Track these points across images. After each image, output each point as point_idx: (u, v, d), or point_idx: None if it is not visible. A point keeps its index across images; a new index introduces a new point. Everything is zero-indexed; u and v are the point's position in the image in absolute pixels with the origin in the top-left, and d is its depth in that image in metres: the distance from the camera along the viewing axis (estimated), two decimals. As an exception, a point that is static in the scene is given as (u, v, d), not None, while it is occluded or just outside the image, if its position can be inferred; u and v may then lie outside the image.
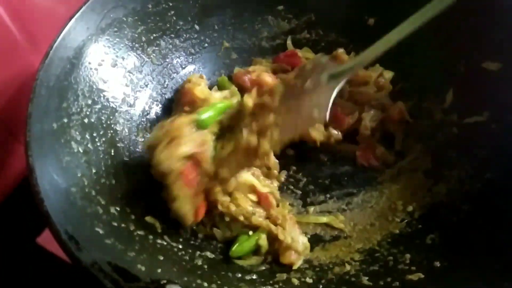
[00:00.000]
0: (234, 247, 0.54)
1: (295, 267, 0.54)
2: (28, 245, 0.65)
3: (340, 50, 0.70)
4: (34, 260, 0.66)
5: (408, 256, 0.51)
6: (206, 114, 0.55)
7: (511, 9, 0.57)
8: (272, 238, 0.55)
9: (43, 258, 0.64)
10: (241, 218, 0.55)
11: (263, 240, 0.55)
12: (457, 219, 0.52)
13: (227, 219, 0.56)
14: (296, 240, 0.54)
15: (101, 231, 0.46)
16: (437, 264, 0.47)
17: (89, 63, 0.58)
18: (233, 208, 0.55)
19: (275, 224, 0.56)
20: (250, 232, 0.56)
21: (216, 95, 0.65)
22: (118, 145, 0.60)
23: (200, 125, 0.54)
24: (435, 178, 0.59)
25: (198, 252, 0.53)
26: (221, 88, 0.71)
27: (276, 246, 0.55)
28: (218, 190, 0.54)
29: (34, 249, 0.65)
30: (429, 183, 0.59)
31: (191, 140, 0.52)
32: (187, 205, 0.52)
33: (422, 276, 0.47)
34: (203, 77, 0.70)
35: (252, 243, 0.54)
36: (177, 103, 0.68)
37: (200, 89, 0.64)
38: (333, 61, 0.56)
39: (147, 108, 0.67)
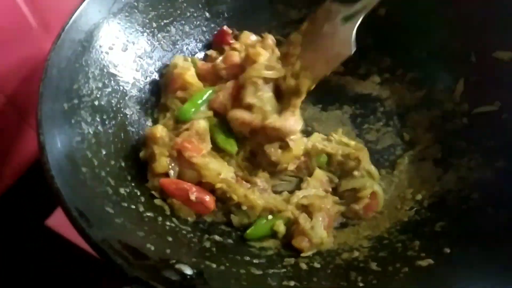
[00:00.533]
0: (249, 230, 0.55)
1: (303, 254, 0.54)
2: (37, 227, 0.66)
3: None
4: (42, 242, 0.66)
5: (417, 243, 0.50)
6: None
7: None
8: (292, 222, 0.55)
9: (51, 240, 0.65)
10: (260, 204, 0.55)
11: (279, 226, 0.55)
12: (466, 207, 0.52)
13: (244, 207, 0.56)
14: (315, 230, 0.54)
15: (111, 210, 0.46)
16: (447, 250, 0.47)
17: (100, 46, 0.58)
18: (251, 196, 0.55)
19: (302, 210, 0.56)
20: (270, 216, 0.56)
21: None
22: (128, 128, 0.60)
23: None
24: (445, 167, 0.59)
25: (206, 235, 0.53)
26: None
27: (292, 229, 0.55)
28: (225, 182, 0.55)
29: (43, 231, 0.65)
30: (439, 172, 0.59)
31: None
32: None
33: (432, 262, 0.46)
34: (188, 59, 0.68)
35: (267, 228, 0.55)
36: (166, 88, 0.66)
37: (191, 74, 0.64)
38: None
39: (156, 94, 0.67)
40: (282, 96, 0.59)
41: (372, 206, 0.58)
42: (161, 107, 0.65)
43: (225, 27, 0.73)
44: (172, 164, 0.56)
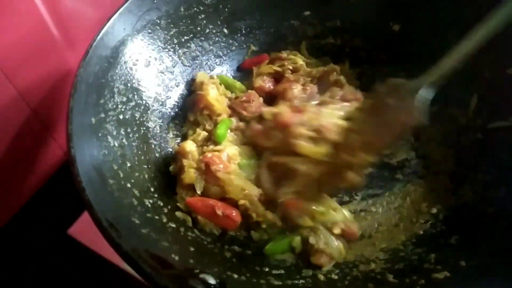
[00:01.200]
0: (268, 246, 0.56)
1: (324, 269, 0.55)
2: (59, 236, 0.68)
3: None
4: (64, 251, 0.68)
5: (433, 255, 0.51)
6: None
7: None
8: (306, 240, 0.56)
9: (73, 249, 0.66)
10: (279, 222, 0.57)
11: (296, 242, 0.56)
12: (481, 221, 0.53)
13: (263, 226, 0.57)
14: (330, 245, 0.55)
15: (137, 221, 0.48)
16: (463, 263, 0.48)
17: (125, 62, 0.61)
18: (269, 216, 0.56)
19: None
20: (287, 233, 0.57)
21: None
22: (150, 141, 0.62)
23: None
24: (460, 181, 0.60)
25: (226, 246, 0.55)
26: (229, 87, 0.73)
27: (308, 248, 0.56)
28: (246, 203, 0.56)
29: (65, 240, 0.67)
30: (454, 186, 0.60)
31: None
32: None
33: (449, 274, 0.47)
34: (214, 77, 0.72)
35: (285, 244, 0.56)
36: (191, 108, 0.69)
37: (213, 96, 0.67)
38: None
39: (177, 108, 0.69)
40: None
41: (351, 235, 0.58)
42: (190, 123, 0.67)
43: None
44: (199, 178, 0.58)
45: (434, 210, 0.59)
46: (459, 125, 0.65)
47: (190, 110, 0.69)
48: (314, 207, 0.57)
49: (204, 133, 0.64)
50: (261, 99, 0.70)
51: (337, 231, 0.56)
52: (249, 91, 0.72)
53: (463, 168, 0.61)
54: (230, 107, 0.69)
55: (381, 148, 0.56)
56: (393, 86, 0.57)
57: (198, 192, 0.57)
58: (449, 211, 0.57)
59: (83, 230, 0.67)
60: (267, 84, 0.73)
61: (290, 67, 0.74)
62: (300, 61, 0.75)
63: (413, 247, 0.55)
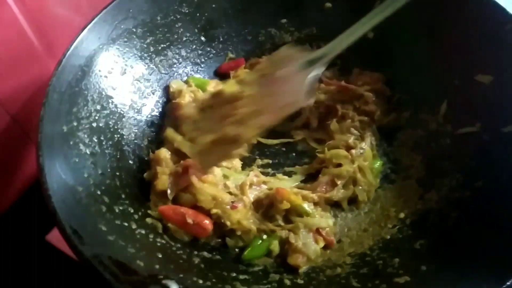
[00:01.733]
0: (246, 252, 0.56)
1: (300, 270, 0.55)
2: (38, 242, 0.68)
3: None
4: (43, 257, 0.69)
5: (397, 260, 0.52)
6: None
7: (502, 26, 0.59)
8: (284, 242, 0.57)
9: (51, 255, 0.67)
10: (254, 228, 0.57)
11: (275, 246, 0.57)
12: (445, 226, 0.54)
13: (238, 233, 0.58)
14: (308, 246, 0.56)
15: (104, 228, 0.49)
16: (424, 268, 0.49)
17: (99, 70, 0.62)
18: (244, 222, 0.57)
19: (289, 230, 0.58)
20: (265, 236, 0.58)
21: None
22: (124, 148, 0.63)
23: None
24: (427, 186, 0.61)
25: (195, 252, 0.56)
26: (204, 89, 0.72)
27: (286, 248, 0.57)
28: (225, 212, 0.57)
29: (43, 246, 0.68)
30: (421, 191, 0.61)
31: None
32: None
33: (409, 279, 0.48)
34: (191, 85, 0.72)
35: (264, 249, 0.57)
36: (168, 116, 0.70)
37: (188, 105, 0.67)
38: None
39: (152, 115, 0.70)
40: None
41: (329, 243, 0.59)
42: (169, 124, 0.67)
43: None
44: (171, 184, 0.59)
45: (402, 215, 0.60)
46: (429, 131, 0.66)
47: (167, 118, 0.70)
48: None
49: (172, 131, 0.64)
50: None
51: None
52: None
53: (432, 173, 0.62)
54: None
55: (263, 125, 0.55)
56: (286, 55, 0.59)
57: (170, 197, 0.58)
58: (416, 216, 0.58)
59: (61, 236, 0.68)
60: None
61: None
62: None
63: (379, 251, 0.56)
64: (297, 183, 0.65)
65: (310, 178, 0.66)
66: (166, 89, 0.73)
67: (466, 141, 0.61)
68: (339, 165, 0.64)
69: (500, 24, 0.59)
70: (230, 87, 0.60)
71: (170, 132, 0.64)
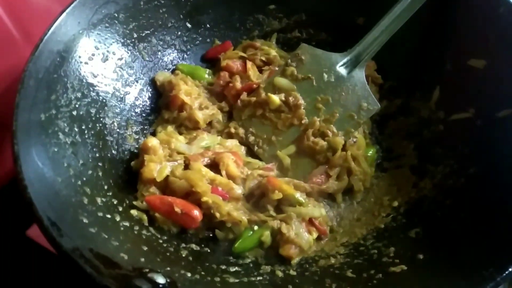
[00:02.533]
0: (237, 244, 0.55)
1: (293, 261, 0.54)
2: (18, 238, 0.66)
3: None
4: (23, 252, 0.66)
5: (392, 249, 0.51)
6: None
7: (495, 8, 0.58)
8: (276, 232, 0.55)
9: (32, 250, 0.64)
10: (245, 220, 0.56)
11: (266, 237, 0.55)
12: (440, 214, 0.53)
13: (228, 224, 0.56)
14: (301, 236, 0.54)
15: (85, 220, 0.46)
16: (420, 256, 0.48)
17: (79, 57, 0.59)
18: (234, 213, 0.55)
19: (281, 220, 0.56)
20: (256, 227, 0.56)
21: (199, 115, 0.66)
22: (107, 138, 0.60)
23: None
24: (421, 174, 0.60)
25: (183, 244, 0.54)
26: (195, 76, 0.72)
27: (278, 239, 0.55)
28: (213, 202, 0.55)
29: (24, 242, 0.65)
30: (415, 179, 0.60)
31: None
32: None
33: (405, 268, 0.47)
34: (178, 73, 0.70)
35: (255, 240, 0.55)
36: (166, 108, 0.68)
37: (186, 95, 0.66)
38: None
39: (137, 103, 0.67)
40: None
41: (322, 232, 0.58)
42: (162, 121, 0.67)
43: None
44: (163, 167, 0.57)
45: (396, 204, 0.58)
46: (422, 118, 0.65)
47: (165, 109, 0.68)
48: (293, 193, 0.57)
49: (172, 131, 0.64)
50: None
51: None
52: (220, 72, 0.71)
53: (425, 160, 0.61)
54: (218, 94, 0.70)
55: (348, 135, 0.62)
56: (319, 58, 0.66)
57: (158, 179, 0.56)
58: (410, 204, 0.57)
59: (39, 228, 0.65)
60: (236, 64, 0.71)
61: (263, 58, 0.73)
62: (274, 52, 0.74)
63: (374, 241, 0.54)
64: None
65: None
66: (151, 80, 0.70)
67: (459, 127, 0.59)
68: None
69: (492, 7, 0.58)
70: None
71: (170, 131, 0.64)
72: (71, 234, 0.42)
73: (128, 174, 0.59)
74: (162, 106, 0.69)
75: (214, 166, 0.59)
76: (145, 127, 0.68)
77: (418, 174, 0.60)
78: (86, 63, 0.60)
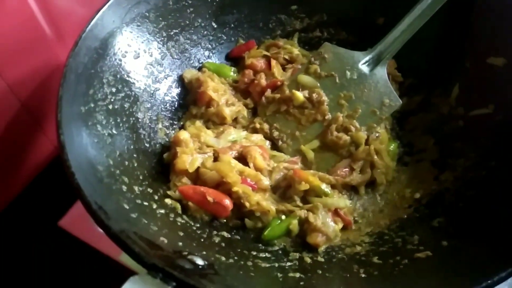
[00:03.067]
0: (266, 232, 0.57)
1: (320, 249, 0.56)
2: (50, 228, 0.68)
3: None
4: (56, 243, 0.69)
5: (416, 237, 0.53)
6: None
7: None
8: (303, 221, 0.57)
9: (64, 241, 0.67)
10: (273, 209, 0.58)
11: (294, 226, 0.57)
12: (462, 204, 0.55)
13: (257, 214, 0.58)
14: (327, 225, 0.56)
15: (126, 206, 0.48)
16: (445, 243, 0.49)
17: (114, 53, 0.61)
18: (263, 203, 0.57)
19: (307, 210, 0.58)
20: (283, 216, 0.58)
21: (227, 111, 0.69)
22: (140, 131, 0.63)
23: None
24: (442, 167, 0.62)
25: (214, 232, 0.56)
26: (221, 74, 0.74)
27: (305, 227, 0.57)
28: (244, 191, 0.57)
29: (56, 232, 0.68)
30: (436, 172, 0.62)
31: None
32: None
33: (430, 253, 0.49)
34: (205, 71, 0.73)
35: (283, 228, 0.57)
36: (194, 103, 0.71)
37: (213, 91, 0.69)
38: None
39: (166, 99, 0.70)
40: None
41: (347, 223, 0.60)
42: (190, 116, 0.70)
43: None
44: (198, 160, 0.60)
45: (418, 195, 0.60)
46: (441, 114, 0.67)
47: (193, 104, 0.71)
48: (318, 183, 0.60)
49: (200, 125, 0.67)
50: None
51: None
52: (245, 70, 0.73)
53: (445, 154, 0.63)
54: (242, 91, 0.73)
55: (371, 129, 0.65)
56: (339, 56, 0.68)
57: (190, 170, 0.58)
58: (431, 196, 0.59)
59: (74, 221, 0.68)
60: (260, 62, 0.74)
61: (286, 57, 0.75)
62: (296, 51, 0.76)
63: (397, 230, 0.56)
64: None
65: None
66: (179, 76, 0.73)
67: (479, 123, 0.61)
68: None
69: (511, 6, 0.60)
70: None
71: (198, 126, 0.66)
72: (116, 218, 0.44)
73: (160, 166, 0.62)
74: (190, 102, 0.71)
75: (242, 159, 0.62)
76: (174, 122, 0.70)
77: (439, 167, 0.62)
78: (119, 59, 0.62)
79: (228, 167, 0.58)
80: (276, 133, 0.68)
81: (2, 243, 0.72)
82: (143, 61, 0.67)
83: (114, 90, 0.60)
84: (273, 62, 0.73)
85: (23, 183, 0.77)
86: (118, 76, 0.62)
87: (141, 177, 0.57)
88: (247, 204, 0.56)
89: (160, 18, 0.69)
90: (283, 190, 0.60)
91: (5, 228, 0.73)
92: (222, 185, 0.58)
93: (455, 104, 0.65)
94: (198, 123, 0.67)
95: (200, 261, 0.45)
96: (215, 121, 0.69)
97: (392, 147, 0.65)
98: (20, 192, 0.77)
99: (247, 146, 0.63)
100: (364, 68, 0.66)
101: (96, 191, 0.46)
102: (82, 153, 0.49)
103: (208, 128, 0.67)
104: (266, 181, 0.60)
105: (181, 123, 0.70)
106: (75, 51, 0.55)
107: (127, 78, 0.63)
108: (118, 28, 0.63)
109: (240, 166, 0.59)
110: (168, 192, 0.58)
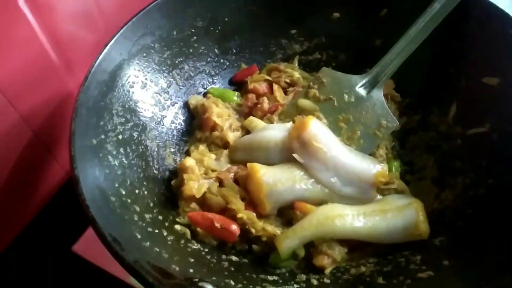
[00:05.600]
0: (272, 257, 0.58)
1: (326, 271, 0.57)
2: (63, 253, 0.70)
3: None
4: (70, 268, 0.71)
5: (418, 257, 0.55)
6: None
7: (507, 29, 0.62)
8: (309, 244, 0.59)
9: (78, 265, 0.69)
10: (279, 233, 0.59)
11: (300, 249, 0.58)
12: (462, 223, 0.56)
13: (264, 239, 0.59)
14: (332, 247, 0.58)
15: (138, 235, 0.51)
16: (446, 262, 0.51)
17: (122, 85, 0.64)
18: (269, 228, 0.59)
19: None
20: None
21: (231, 136, 0.71)
22: (148, 159, 0.65)
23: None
24: (442, 185, 0.63)
25: (223, 256, 0.58)
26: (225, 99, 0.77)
27: (311, 250, 0.59)
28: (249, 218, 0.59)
29: (70, 257, 0.70)
30: (437, 190, 0.63)
31: None
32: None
33: (432, 273, 0.50)
34: (209, 97, 0.76)
35: (290, 253, 0.58)
36: (199, 128, 0.73)
37: (218, 117, 0.71)
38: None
39: (173, 126, 0.72)
40: None
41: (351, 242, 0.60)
42: (195, 140, 0.72)
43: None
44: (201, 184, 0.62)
45: (419, 214, 0.62)
46: (440, 133, 0.69)
47: (198, 129, 0.73)
48: None
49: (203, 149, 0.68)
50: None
51: None
52: (248, 95, 0.76)
53: (445, 173, 0.65)
54: (246, 115, 0.75)
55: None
56: (336, 79, 0.70)
57: (197, 196, 0.60)
58: (433, 214, 0.60)
59: (87, 246, 0.70)
60: (262, 86, 0.77)
61: (288, 80, 0.78)
62: (297, 74, 0.78)
63: (400, 249, 0.58)
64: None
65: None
66: (185, 103, 0.76)
67: (476, 141, 0.63)
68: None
69: (505, 27, 0.62)
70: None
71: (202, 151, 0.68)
72: (130, 248, 0.46)
73: (169, 192, 0.64)
74: (195, 127, 0.74)
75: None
76: (181, 147, 0.73)
77: (440, 186, 0.64)
78: (127, 90, 0.65)
79: (232, 193, 0.60)
80: None
81: (17, 270, 0.74)
82: (150, 90, 0.70)
83: (123, 120, 0.63)
84: (275, 86, 0.76)
85: (36, 209, 0.80)
86: (127, 106, 0.64)
87: (151, 205, 0.59)
88: (252, 230, 0.58)
89: (165, 48, 0.72)
90: (287, 217, 0.62)
91: (20, 254, 0.75)
92: (227, 211, 0.60)
93: (453, 123, 0.67)
94: (202, 147, 0.69)
95: (210, 287, 0.47)
96: (218, 144, 0.71)
97: (394, 165, 0.67)
98: (33, 218, 0.79)
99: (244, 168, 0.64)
100: (361, 91, 0.68)
101: (110, 222, 0.48)
102: (95, 185, 0.52)
103: (210, 150, 0.70)
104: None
105: (186, 147, 0.73)
106: (85, 85, 0.58)
107: (135, 108, 0.66)
108: (125, 60, 0.65)
109: (242, 192, 0.61)
110: (177, 219, 0.60)
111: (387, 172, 0.62)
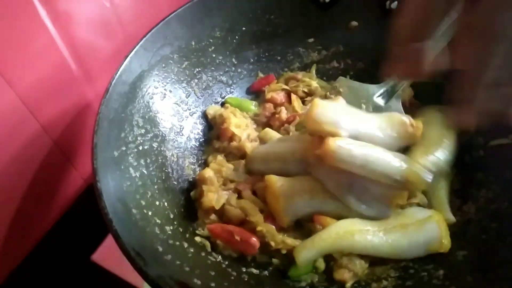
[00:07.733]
0: (292, 270, 0.58)
1: (347, 286, 0.56)
2: (82, 263, 0.71)
3: None
4: (89, 277, 0.71)
5: (441, 272, 0.54)
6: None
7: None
8: (329, 258, 0.58)
9: (97, 275, 0.70)
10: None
11: (320, 263, 0.58)
12: (486, 237, 0.55)
13: (283, 251, 0.58)
14: (353, 261, 0.57)
15: (160, 248, 0.51)
16: (469, 278, 0.50)
17: (142, 96, 0.65)
18: (288, 241, 0.58)
19: None
20: None
21: (248, 146, 0.70)
22: (168, 170, 0.65)
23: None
24: (464, 198, 0.62)
25: (243, 268, 0.58)
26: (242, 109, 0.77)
27: (331, 264, 0.58)
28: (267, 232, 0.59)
29: (89, 266, 0.70)
30: (459, 203, 0.63)
31: None
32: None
33: (456, 290, 0.50)
34: (227, 107, 0.75)
35: (309, 266, 0.58)
36: (217, 139, 0.73)
37: (236, 127, 0.71)
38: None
39: (191, 136, 0.73)
40: None
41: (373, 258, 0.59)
42: (213, 150, 0.72)
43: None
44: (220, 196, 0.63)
45: (442, 227, 0.61)
46: (461, 143, 0.67)
47: (216, 139, 0.73)
48: None
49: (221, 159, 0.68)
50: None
51: None
52: (265, 104, 0.76)
53: (467, 185, 0.64)
54: (264, 124, 0.75)
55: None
56: (354, 89, 0.69)
57: (216, 207, 0.61)
58: (455, 227, 0.60)
59: (106, 255, 0.71)
60: (279, 96, 0.77)
61: (305, 90, 0.78)
62: (315, 83, 0.78)
63: (422, 263, 0.57)
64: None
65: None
66: (203, 113, 0.76)
67: (499, 153, 0.62)
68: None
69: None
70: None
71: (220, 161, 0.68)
72: (152, 263, 0.46)
73: (188, 203, 0.65)
74: (213, 137, 0.74)
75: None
76: (199, 157, 0.73)
77: (462, 198, 0.63)
78: (147, 101, 0.66)
79: (251, 206, 0.60)
80: None
81: (36, 279, 0.74)
82: (169, 101, 0.70)
83: (143, 131, 0.63)
84: (293, 96, 0.75)
85: (55, 218, 0.80)
86: (147, 117, 0.65)
87: (171, 216, 0.59)
88: (272, 243, 0.58)
89: (184, 58, 0.72)
90: (307, 229, 0.61)
91: (39, 263, 0.76)
92: (246, 223, 0.60)
93: (475, 133, 0.66)
94: (219, 157, 0.69)
95: (232, 302, 0.46)
96: (235, 154, 0.71)
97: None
98: (52, 226, 0.80)
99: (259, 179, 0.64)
100: (379, 101, 0.68)
101: (133, 236, 0.49)
102: (117, 198, 0.52)
103: (228, 160, 0.69)
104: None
105: (204, 157, 0.73)
106: (106, 98, 0.58)
107: (155, 119, 0.67)
108: (145, 71, 0.66)
109: (261, 204, 0.61)
110: (197, 231, 0.60)
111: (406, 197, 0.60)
